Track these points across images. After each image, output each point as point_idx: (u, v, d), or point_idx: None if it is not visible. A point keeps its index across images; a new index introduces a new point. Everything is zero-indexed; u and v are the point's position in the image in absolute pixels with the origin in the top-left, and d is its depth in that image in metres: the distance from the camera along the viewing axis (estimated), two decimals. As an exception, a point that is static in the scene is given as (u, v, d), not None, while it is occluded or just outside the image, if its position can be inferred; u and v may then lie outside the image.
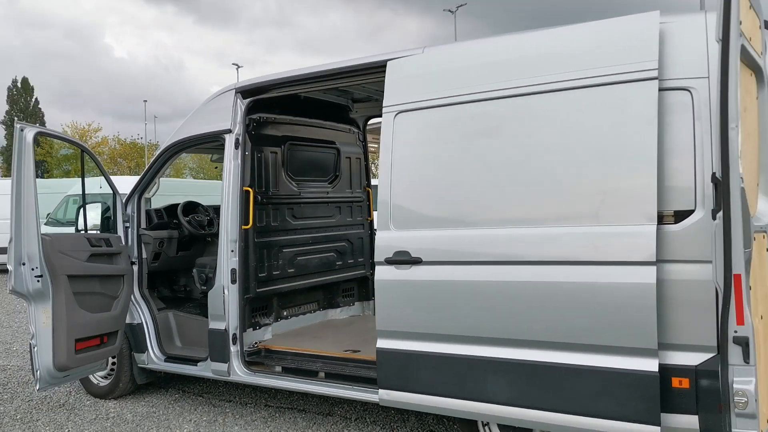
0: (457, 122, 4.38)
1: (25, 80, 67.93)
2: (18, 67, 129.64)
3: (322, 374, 5.26)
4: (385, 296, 4.57)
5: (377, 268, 4.59)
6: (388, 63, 4.72)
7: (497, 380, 4.10)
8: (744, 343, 2.95)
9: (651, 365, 3.45)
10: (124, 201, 6.25)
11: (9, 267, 5.07)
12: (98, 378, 6.45)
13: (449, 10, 46.97)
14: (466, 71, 4.39)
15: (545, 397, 3.88)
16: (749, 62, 3.39)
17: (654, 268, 3.42)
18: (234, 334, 5.53)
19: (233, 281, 5.53)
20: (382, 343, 4.60)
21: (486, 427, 4.49)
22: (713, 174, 3.20)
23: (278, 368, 5.57)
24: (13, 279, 5.06)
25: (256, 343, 5.94)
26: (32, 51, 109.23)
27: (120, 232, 6.17)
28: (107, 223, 6.27)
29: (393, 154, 4.61)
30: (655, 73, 3.52)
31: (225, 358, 5.52)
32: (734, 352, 2.97)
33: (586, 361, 3.72)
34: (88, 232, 6.16)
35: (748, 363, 2.96)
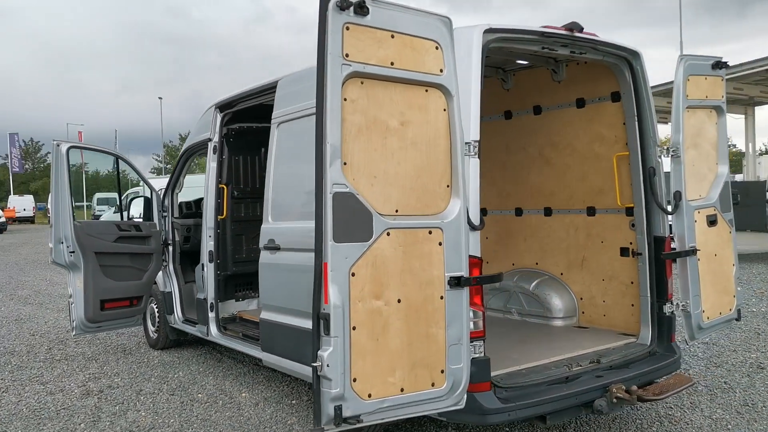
0: (296, 131, 5.26)
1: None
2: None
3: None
4: (263, 276, 5.61)
5: (260, 253, 5.64)
6: (278, 82, 5.71)
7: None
8: (326, 318, 3.50)
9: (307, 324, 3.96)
10: (161, 196, 7.98)
11: (50, 245, 7.05)
12: (152, 332, 8.33)
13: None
14: (298, 92, 5.26)
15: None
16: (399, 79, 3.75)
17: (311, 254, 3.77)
18: (211, 303, 6.92)
19: (210, 260, 6.92)
20: (263, 314, 5.64)
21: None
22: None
23: (240, 333, 6.84)
24: (54, 253, 7.02)
25: (236, 312, 7.28)
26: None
27: (156, 220, 7.91)
28: (148, 213, 8.06)
29: (272, 156, 5.61)
30: None
31: (205, 321, 6.94)
32: (323, 326, 3.53)
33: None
34: (134, 220, 8.02)
35: (328, 335, 3.51)
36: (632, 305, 5.50)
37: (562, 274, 6.14)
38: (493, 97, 6.54)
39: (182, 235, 8.11)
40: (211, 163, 6.98)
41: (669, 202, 5.22)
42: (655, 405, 5.62)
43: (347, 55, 3.56)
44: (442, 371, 3.86)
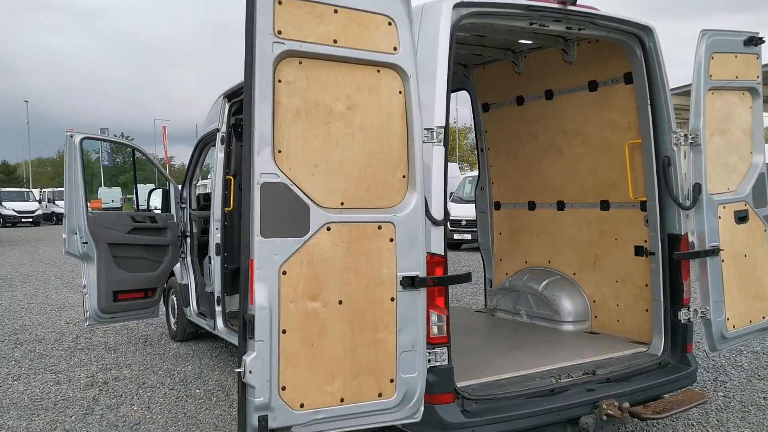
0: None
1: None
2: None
3: None
4: None
5: None
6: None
7: None
8: (251, 320, 3.18)
9: None
10: (180, 188, 7.91)
11: (64, 235, 7.08)
12: (172, 324, 8.31)
13: None
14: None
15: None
16: (340, 58, 3.40)
17: None
18: (218, 297, 6.78)
19: (217, 253, 6.77)
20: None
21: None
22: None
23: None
24: (68, 244, 7.04)
25: (245, 306, 7.10)
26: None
27: (174, 212, 7.85)
28: (166, 205, 8.01)
29: None
30: None
31: (213, 315, 6.81)
32: (248, 328, 3.22)
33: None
34: (153, 211, 7.99)
35: (252, 338, 3.19)
36: (646, 310, 4.95)
37: (574, 274, 5.62)
38: (505, 82, 6.07)
39: (200, 227, 8.01)
40: (219, 153, 6.81)
41: (688, 196, 4.65)
42: (674, 420, 5.05)
43: (280, 32, 3.24)
44: (392, 380, 3.50)
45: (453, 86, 6.75)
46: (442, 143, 3.73)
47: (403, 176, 3.61)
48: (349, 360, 3.40)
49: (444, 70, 3.77)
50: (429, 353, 3.65)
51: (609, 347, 4.85)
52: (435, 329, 3.73)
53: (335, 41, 3.38)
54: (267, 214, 3.22)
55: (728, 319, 4.78)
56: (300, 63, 3.34)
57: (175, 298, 8.13)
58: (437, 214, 3.70)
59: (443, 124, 3.74)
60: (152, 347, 7.99)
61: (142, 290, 7.41)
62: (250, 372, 3.16)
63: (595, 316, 5.46)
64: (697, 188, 4.63)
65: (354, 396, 3.41)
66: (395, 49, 3.53)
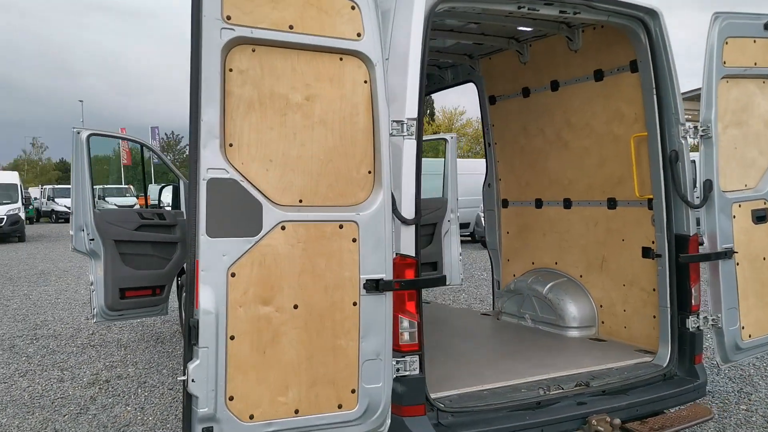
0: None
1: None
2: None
3: None
4: None
5: None
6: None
7: None
8: (195, 326, 2.98)
9: None
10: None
11: (71, 232, 7.05)
12: (184, 321, 8.24)
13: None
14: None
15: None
16: (294, 45, 3.17)
17: None
18: None
19: None
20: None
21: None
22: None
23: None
24: (75, 240, 7.02)
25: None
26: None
27: (183, 208, 7.76)
28: (176, 202, 7.93)
29: None
30: None
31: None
32: (192, 334, 3.02)
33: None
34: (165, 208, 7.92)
35: (196, 345, 2.99)
36: (654, 317, 4.58)
37: (581, 276, 5.28)
38: (510, 73, 5.75)
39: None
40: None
41: (698, 193, 4.28)
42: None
43: (229, 18, 3.03)
44: (354, 391, 3.26)
45: (460, 78, 6.52)
46: (414, 137, 3.47)
47: (369, 172, 3.37)
48: (305, 368, 3.18)
49: (417, 58, 3.51)
50: (398, 361, 3.40)
51: (611, 356, 4.51)
52: (406, 336, 3.48)
53: (291, 27, 3.16)
54: (214, 212, 3.02)
55: (743, 327, 4.39)
56: (253, 51, 3.13)
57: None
58: (407, 212, 3.45)
59: (415, 116, 3.48)
60: (163, 345, 7.94)
61: (150, 288, 7.35)
62: (192, 381, 2.97)
63: (602, 322, 5.11)
64: (708, 185, 4.25)
65: (310, 407, 3.19)
66: (359, 35, 3.29)
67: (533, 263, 5.76)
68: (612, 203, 4.96)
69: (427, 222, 8.38)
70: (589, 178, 5.14)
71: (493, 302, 6.32)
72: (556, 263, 5.52)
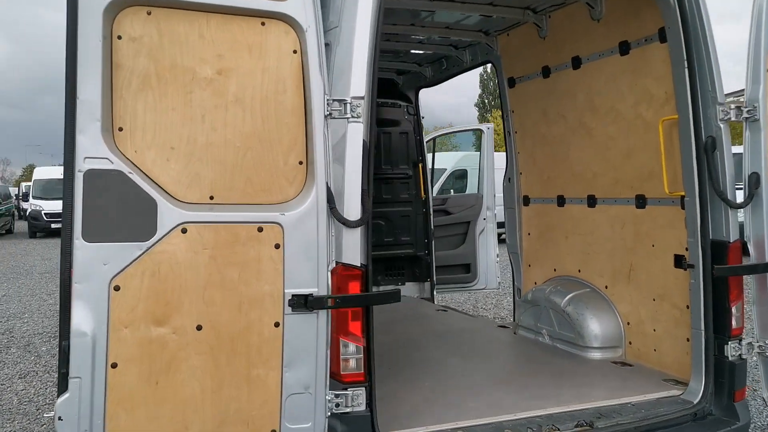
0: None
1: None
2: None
3: None
4: None
5: None
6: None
7: None
8: (65, 350, 2.43)
9: None
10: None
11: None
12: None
13: None
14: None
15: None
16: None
17: None
18: None
19: None
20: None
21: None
22: None
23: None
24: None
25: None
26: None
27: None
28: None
29: None
30: None
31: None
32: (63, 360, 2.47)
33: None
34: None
35: (67, 374, 2.43)
36: (687, 339, 3.76)
37: (606, 287, 4.47)
38: (529, 50, 4.98)
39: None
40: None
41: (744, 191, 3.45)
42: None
43: None
44: None
45: (478, 59, 5.78)
46: (360, 119, 2.83)
47: (300, 162, 2.75)
48: (211, 404, 2.60)
49: (365, 25, 2.86)
50: (337, 395, 2.77)
51: (630, 386, 3.71)
52: (351, 363, 2.84)
53: None
54: (92, 211, 2.48)
55: None
56: (149, 14, 2.57)
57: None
58: (353, 212, 2.80)
59: (362, 94, 2.83)
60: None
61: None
62: (59, 419, 2.44)
63: (629, 342, 4.29)
64: (755, 179, 3.41)
65: (217, 451, 2.61)
66: (285, -7, 2.67)
67: (555, 270, 4.98)
68: (641, 201, 4.14)
69: (460, 220, 7.70)
70: (616, 172, 4.33)
71: (514, 313, 5.56)
72: (579, 271, 4.72)
